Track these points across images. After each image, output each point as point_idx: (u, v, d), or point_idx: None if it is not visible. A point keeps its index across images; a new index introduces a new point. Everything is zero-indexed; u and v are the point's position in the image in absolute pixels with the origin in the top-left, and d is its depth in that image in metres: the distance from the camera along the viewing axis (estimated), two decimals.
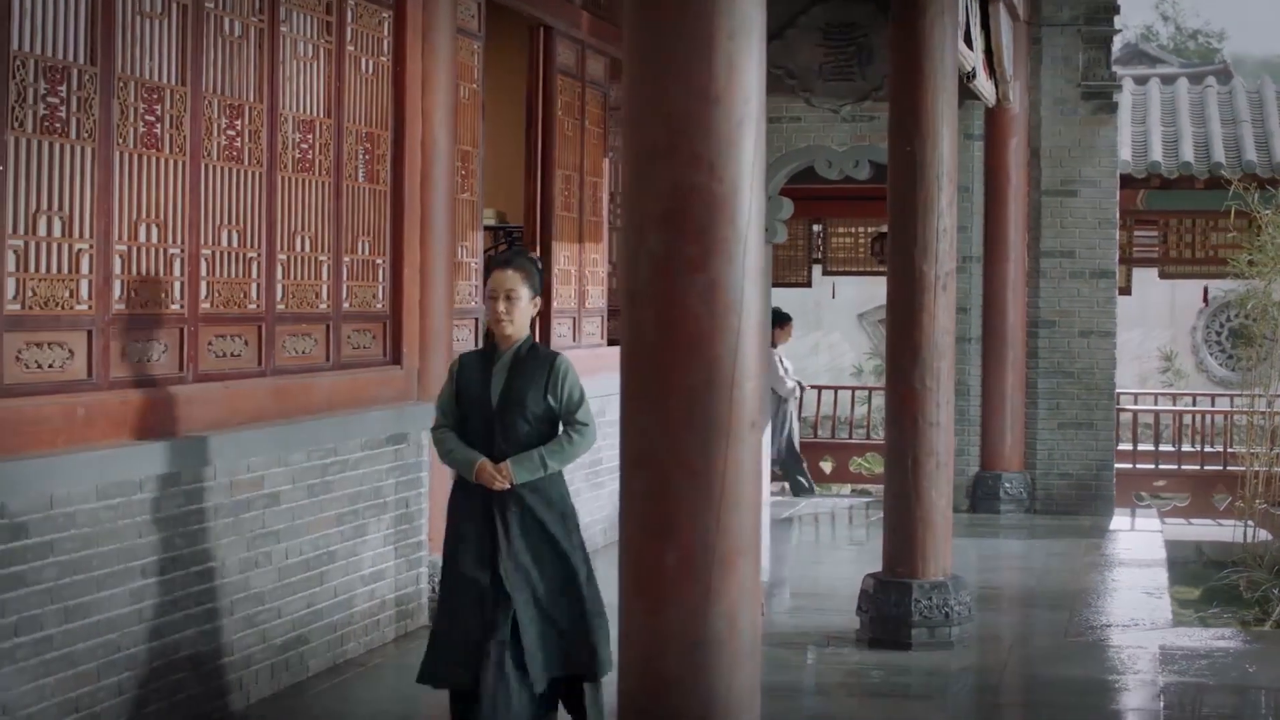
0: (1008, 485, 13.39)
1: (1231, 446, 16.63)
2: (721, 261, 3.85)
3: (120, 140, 6.07)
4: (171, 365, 6.43)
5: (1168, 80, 19.31)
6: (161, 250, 6.36)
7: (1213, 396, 20.22)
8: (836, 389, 19.87)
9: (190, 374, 6.53)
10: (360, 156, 7.87)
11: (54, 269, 5.74)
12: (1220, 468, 16.41)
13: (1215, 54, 39.27)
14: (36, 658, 5.42)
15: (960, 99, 9.18)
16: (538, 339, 10.27)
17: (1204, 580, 13.30)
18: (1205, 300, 22.29)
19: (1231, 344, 25.83)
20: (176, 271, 6.45)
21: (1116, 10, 13.72)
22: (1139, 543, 12.37)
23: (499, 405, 5.77)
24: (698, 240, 3.84)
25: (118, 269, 6.08)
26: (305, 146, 7.38)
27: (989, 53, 11.99)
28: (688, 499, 3.87)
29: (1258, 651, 8.51)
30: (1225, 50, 41.36)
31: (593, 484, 10.75)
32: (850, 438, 18.65)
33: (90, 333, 5.92)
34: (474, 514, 5.77)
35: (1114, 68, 13.90)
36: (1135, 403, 18.88)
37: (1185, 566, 13.39)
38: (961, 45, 9.77)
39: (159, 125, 6.31)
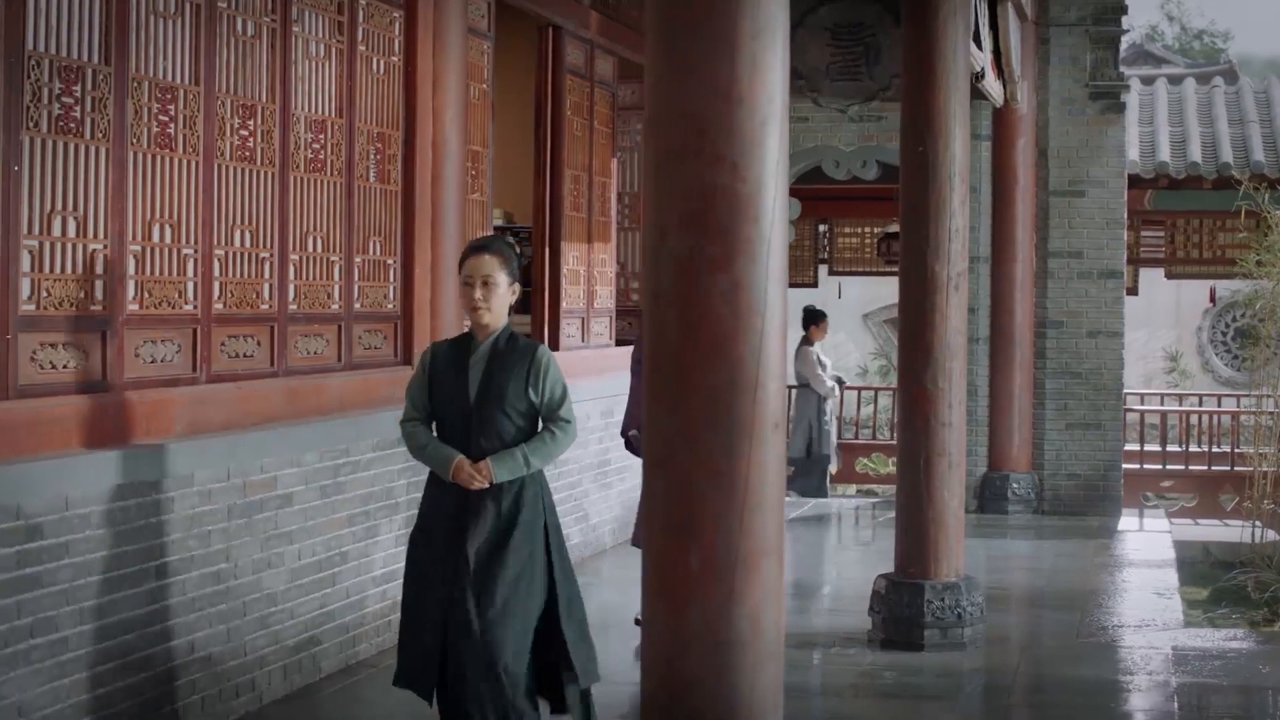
0: (1015, 486, 13.38)
1: (1239, 447, 16.59)
2: (745, 262, 3.83)
3: (134, 140, 6.06)
4: (185, 366, 6.42)
5: (1175, 80, 19.29)
6: (175, 250, 6.35)
7: (1219, 397, 20.19)
8: (842, 389, 19.80)
9: (203, 374, 6.52)
10: (371, 156, 7.86)
11: (68, 269, 5.74)
12: (1228, 468, 16.38)
13: (1220, 54, 39.24)
14: (52, 659, 5.41)
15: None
16: (546, 339, 10.44)
17: (1212, 581, 13.27)
18: (1212, 300, 22.32)
19: (1238, 344, 25.81)
20: (190, 272, 6.44)
21: (1124, 10, 13.70)
22: (1148, 543, 12.35)
23: (477, 399, 5.47)
24: (721, 241, 3.83)
25: (131, 270, 6.07)
26: (317, 146, 7.37)
27: (997, 53, 11.97)
28: (711, 500, 3.86)
29: (1270, 652, 8.50)
30: (1231, 50, 41.33)
31: (601, 484, 10.75)
32: (856, 438, 18.60)
33: (104, 333, 5.92)
34: (445, 513, 5.49)
35: (1121, 68, 13.88)
36: (1142, 403, 18.86)
37: (1193, 567, 13.37)
38: (970, 45, 9.75)
39: (172, 125, 6.30)
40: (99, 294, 5.88)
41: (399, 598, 7.80)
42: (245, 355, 6.83)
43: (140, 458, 5.91)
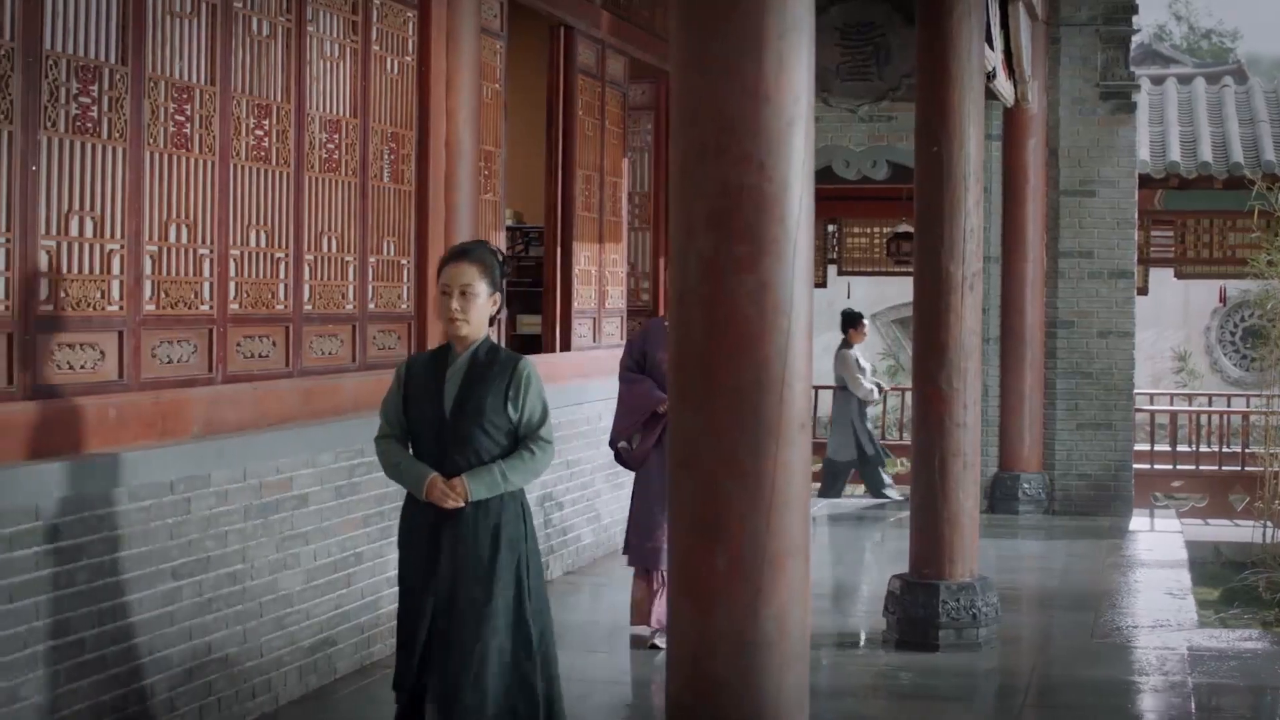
0: (1026, 486, 13.35)
1: (1249, 447, 16.57)
2: (771, 261, 3.82)
3: (150, 140, 6.05)
4: (201, 366, 6.41)
5: (1184, 80, 19.26)
6: (191, 251, 6.34)
7: (1229, 397, 20.17)
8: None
9: (219, 375, 6.51)
10: (385, 156, 7.85)
11: (86, 270, 5.73)
12: (1238, 468, 16.36)
13: (1228, 53, 39.16)
14: (70, 660, 5.40)
15: None
16: (558, 339, 10.42)
17: (1223, 581, 13.25)
18: (1223, 300, 22.27)
19: (1247, 344, 25.77)
20: (206, 272, 6.43)
21: (1135, 10, 13.68)
22: (1160, 544, 12.32)
23: (453, 414, 5.15)
24: (747, 240, 3.82)
25: (148, 270, 6.06)
26: (331, 146, 7.36)
27: (1008, 53, 11.95)
28: (737, 500, 3.85)
29: None
30: (1239, 50, 41.22)
31: (613, 484, 10.73)
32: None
33: (121, 334, 5.91)
34: (422, 535, 5.20)
35: (1131, 68, 13.86)
36: (1151, 403, 18.83)
37: (1204, 567, 13.35)
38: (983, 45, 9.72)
39: (188, 125, 6.29)
40: (116, 294, 5.87)
41: None
42: (261, 356, 6.82)
43: (157, 458, 5.90)
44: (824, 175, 14.04)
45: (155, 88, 6.07)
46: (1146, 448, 16.77)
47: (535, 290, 10.92)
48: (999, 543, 11.66)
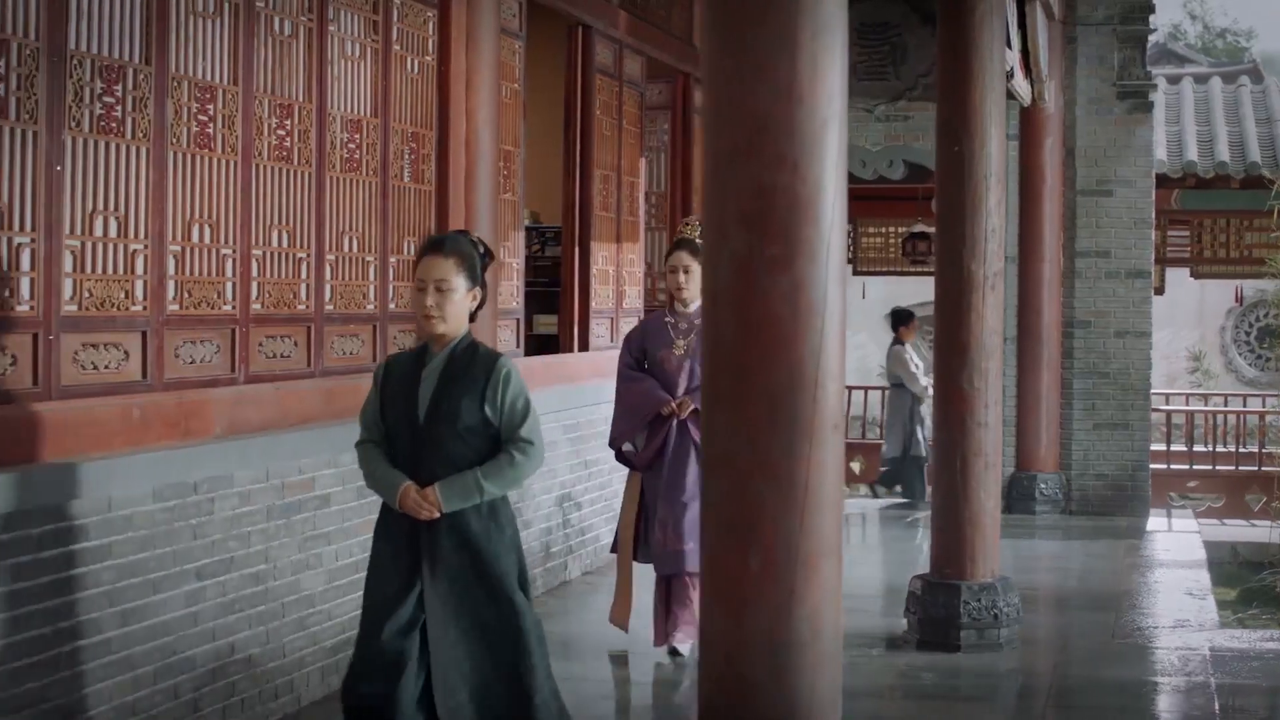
0: (1043, 486, 13.32)
1: (1266, 447, 16.54)
2: (805, 262, 3.80)
3: (174, 140, 6.05)
4: (224, 366, 6.41)
5: (1201, 80, 19.21)
6: (214, 251, 6.34)
7: (1244, 397, 20.13)
8: (866, 389, 19.83)
9: (242, 375, 6.51)
10: (406, 156, 7.85)
11: (109, 270, 5.72)
12: (1255, 468, 16.33)
13: (1243, 53, 39.02)
14: (95, 661, 5.39)
15: None
16: (576, 339, 10.41)
17: (1240, 581, 13.24)
18: (1239, 300, 22.20)
19: (1263, 344, 25.70)
20: (228, 272, 6.43)
21: (1152, 9, 13.65)
22: (1178, 544, 12.30)
23: (427, 418, 4.89)
24: (781, 240, 3.80)
25: (171, 269, 6.06)
26: (352, 146, 7.35)
27: (1025, 52, 11.92)
28: (770, 501, 3.83)
29: None
30: (1254, 49, 41.08)
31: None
32: (880, 438, 18.54)
33: (145, 334, 5.91)
34: (398, 545, 4.95)
35: (1148, 67, 13.83)
36: (1168, 403, 18.79)
37: (1221, 568, 13.31)
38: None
39: (211, 125, 6.29)
40: (140, 294, 5.87)
41: None
42: (283, 355, 6.82)
43: (180, 458, 5.90)
44: None
45: (178, 87, 6.07)
46: (1163, 448, 16.73)
47: (553, 290, 10.91)
48: (1016, 543, 11.63)
